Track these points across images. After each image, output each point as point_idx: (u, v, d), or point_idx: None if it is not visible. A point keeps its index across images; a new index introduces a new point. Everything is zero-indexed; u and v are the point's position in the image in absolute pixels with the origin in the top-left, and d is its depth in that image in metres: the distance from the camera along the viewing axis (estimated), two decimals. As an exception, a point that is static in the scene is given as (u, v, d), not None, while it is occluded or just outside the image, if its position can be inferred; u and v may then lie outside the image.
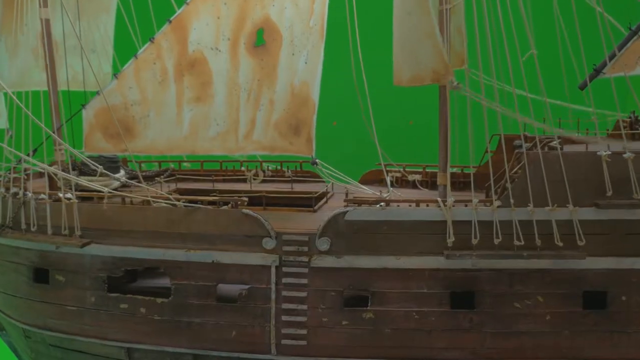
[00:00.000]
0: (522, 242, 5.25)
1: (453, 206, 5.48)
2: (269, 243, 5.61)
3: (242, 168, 8.31)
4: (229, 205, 5.86)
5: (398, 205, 5.74)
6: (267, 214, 6.03)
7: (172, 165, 8.67)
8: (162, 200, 6.00)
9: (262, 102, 6.29)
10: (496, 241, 5.30)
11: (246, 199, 6.43)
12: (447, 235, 5.44)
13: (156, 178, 7.51)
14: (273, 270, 5.58)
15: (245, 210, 5.69)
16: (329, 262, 5.55)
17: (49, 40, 7.06)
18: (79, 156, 6.48)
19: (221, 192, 6.68)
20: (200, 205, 5.86)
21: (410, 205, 5.69)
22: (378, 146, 6.69)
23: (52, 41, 7.33)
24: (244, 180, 8.03)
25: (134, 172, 8.28)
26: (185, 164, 8.63)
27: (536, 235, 5.29)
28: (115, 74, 6.60)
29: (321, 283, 5.49)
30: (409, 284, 5.46)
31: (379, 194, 6.50)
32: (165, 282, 6.06)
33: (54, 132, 6.62)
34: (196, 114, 6.21)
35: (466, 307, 5.39)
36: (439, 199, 5.55)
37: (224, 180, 8.16)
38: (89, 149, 6.52)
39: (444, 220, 5.47)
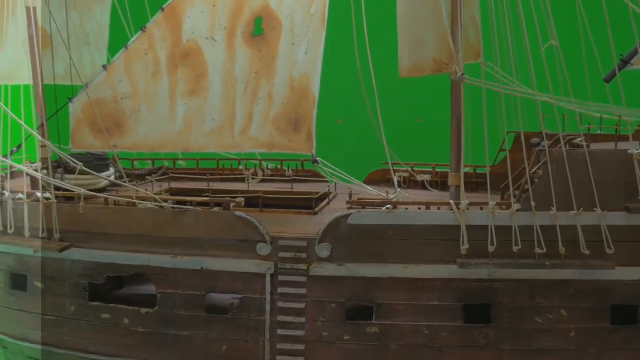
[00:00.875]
0: (544, 250, 4.90)
1: (467, 209, 5.05)
2: (263, 249, 5.19)
3: (240, 167, 7.92)
4: (221, 207, 5.38)
5: (406, 208, 5.28)
6: (264, 217, 5.62)
7: (166, 164, 8.29)
8: (149, 201, 5.52)
9: (260, 96, 5.98)
10: (515, 249, 4.93)
11: (242, 199, 6.00)
12: (461, 241, 5.00)
13: (147, 177, 7.05)
14: (268, 278, 5.17)
15: (238, 213, 5.23)
16: (329, 270, 5.16)
17: (35, 29, 6.65)
18: (58, 153, 6.04)
19: (215, 192, 6.31)
20: (190, 207, 5.39)
21: (419, 208, 5.25)
22: (385, 144, 6.18)
23: (45, 33, 7.04)
24: (243, 180, 7.63)
25: (125, 171, 7.87)
26: (180, 162, 8.27)
27: (560, 243, 4.92)
28: (104, 66, 6.22)
29: (321, 293, 5.13)
30: (418, 295, 5.07)
31: (385, 195, 6.00)
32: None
33: (37, 129, 6.20)
34: (190, 108, 5.91)
35: (481, 321, 5.04)
36: (451, 202, 5.07)
37: (221, 180, 7.79)
38: (76, 145, 6.19)
39: (457, 225, 5.03)
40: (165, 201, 5.45)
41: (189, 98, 5.90)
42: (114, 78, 6.04)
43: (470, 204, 5.06)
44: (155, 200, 5.49)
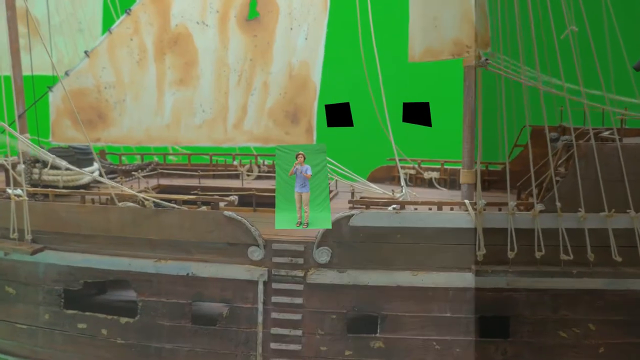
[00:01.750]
0: (571, 256, 4.50)
1: (484, 210, 4.58)
2: (255, 253, 4.73)
3: (235, 163, 7.46)
4: (209, 205, 4.90)
5: (415, 209, 4.79)
6: (257, 217, 5.20)
7: (155, 159, 7.82)
8: (129, 199, 5.03)
9: (255, 86, 5.60)
10: (538, 254, 4.53)
11: (234, 198, 5.51)
12: (477, 246, 4.56)
13: (133, 173, 6.58)
14: (260, 286, 4.74)
15: (227, 213, 4.74)
16: (329, 277, 4.73)
17: (12, 14, 6.25)
18: (30, 146, 5.60)
19: (204, 189, 5.84)
20: (174, 205, 4.89)
21: (430, 209, 4.73)
22: (391, 138, 5.66)
23: (33, 19, 6.66)
24: (237, 177, 7.20)
25: (111, 166, 7.42)
26: (171, 157, 7.84)
27: (588, 248, 4.51)
28: (86, 52, 5.87)
29: (319, 303, 4.73)
30: (429, 306, 4.67)
31: (391, 194, 5.48)
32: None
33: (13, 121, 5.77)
34: (179, 98, 5.59)
35: (499, 335, 4.65)
36: (466, 201, 4.54)
37: (214, 177, 7.33)
38: (57, 138, 5.91)
39: (472, 228, 4.59)
40: (147, 199, 4.92)
41: (177, 88, 5.59)
42: (96, 65, 5.71)
43: (487, 204, 4.54)
44: (136, 198, 4.97)
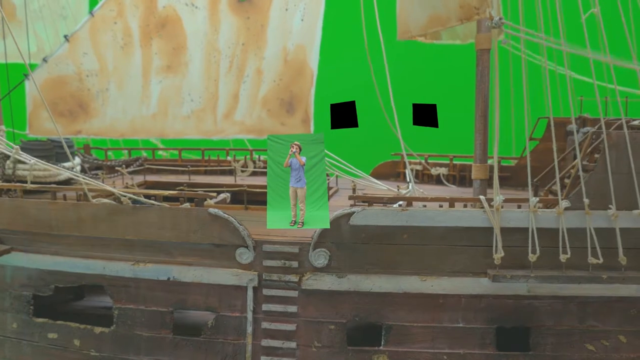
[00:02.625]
0: (600, 260, 4.02)
1: (502, 207, 4.08)
2: (244, 255, 4.26)
3: (229, 158, 7.03)
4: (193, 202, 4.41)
5: (424, 206, 4.27)
6: (248, 216, 4.84)
7: (144, 154, 7.66)
8: (105, 196, 4.54)
9: (247, 72, 5.27)
10: (563, 258, 4.06)
11: (226, 195, 5.05)
12: (494, 248, 4.06)
13: (117, 168, 6.13)
14: (250, 292, 4.26)
15: (212, 210, 4.23)
16: (327, 282, 4.24)
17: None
18: None
19: (194, 186, 5.37)
20: (154, 202, 4.39)
21: (440, 206, 4.21)
22: (398, 131, 5.15)
23: (9, 4, 6.56)
24: (231, 173, 6.91)
25: (96, 162, 7.00)
26: (160, 152, 7.61)
27: (620, 250, 4.04)
28: (66, 36, 5.50)
29: (316, 312, 4.25)
30: (439, 315, 4.17)
31: (396, 190, 4.97)
32: None
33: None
34: (166, 87, 5.30)
35: (518, 348, 4.21)
36: (481, 197, 4.03)
37: (206, 172, 6.88)
38: (34, 130, 5.57)
39: (489, 228, 4.09)
40: (124, 194, 4.42)
41: (164, 75, 5.29)
42: (77, 51, 5.37)
43: (506, 201, 4.02)
44: (112, 194, 4.47)
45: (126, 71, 5.25)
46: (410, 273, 4.18)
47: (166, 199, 4.54)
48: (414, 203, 4.39)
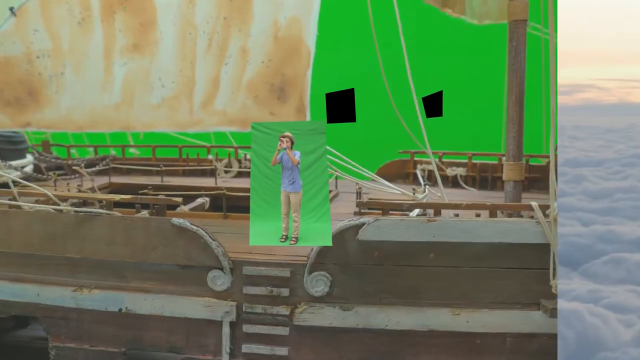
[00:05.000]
0: None
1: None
2: (219, 280, 3.40)
3: (210, 156, 6.27)
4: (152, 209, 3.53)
5: (456, 215, 3.34)
6: (227, 226, 3.96)
7: (112, 152, 6.90)
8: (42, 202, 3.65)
9: (230, 52, 4.63)
10: None
11: (204, 200, 4.20)
12: (551, 272, 3.10)
13: (74, 167, 5.31)
14: (226, 329, 3.35)
15: (177, 221, 3.33)
16: (328, 316, 3.32)
17: None
18: None
19: (165, 188, 4.60)
20: (100, 211, 3.49)
21: (478, 215, 3.31)
22: (423, 125, 4.37)
23: None
24: (213, 174, 6.13)
25: (55, 161, 6.15)
26: (132, 150, 6.84)
27: None
28: (11, 9, 4.93)
29: (314, 355, 3.36)
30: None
31: (412, 194, 4.12)
32: None
33: None
34: (132, 70, 4.70)
35: None
36: (533, 204, 3.12)
37: (184, 173, 6.11)
38: None
39: (543, 244, 3.15)
40: (66, 200, 3.52)
41: (130, 56, 4.69)
42: (26, 27, 4.81)
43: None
44: (50, 200, 3.57)
45: (84, 51, 4.65)
46: (439, 304, 3.27)
47: (118, 205, 3.63)
48: (442, 211, 3.48)
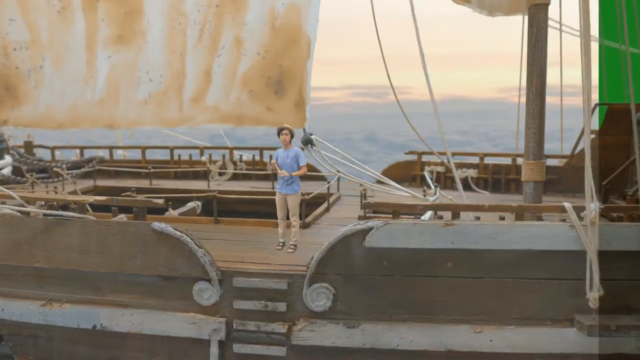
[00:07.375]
0: None
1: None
2: (206, 293, 3.05)
3: (203, 158, 5.90)
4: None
5: (478, 218, 2.96)
6: (217, 231, 3.63)
7: (100, 153, 6.60)
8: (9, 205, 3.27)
9: (223, 43, 4.36)
10: None
11: (196, 204, 3.87)
12: (587, 283, 2.74)
13: (55, 169, 4.92)
14: (214, 349, 2.99)
15: (158, 225, 2.93)
16: (330, 335, 2.95)
17: None
18: None
19: (152, 191, 4.40)
20: (73, 215, 3.09)
21: (502, 218, 2.91)
22: (439, 126, 3.99)
23: None
24: (206, 176, 5.83)
25: (38, 163, 5.78)
26: (120, 151, 6.67)
27: None
28: None
29: None
30: None
31: (423, 196, 3.75)
32: None
33: None
34: (117, 63, 4.44)
35: None
36: (566, 205, 2.74)
37: (176, 176, 5.80)
38: None
39: (578, 251, 2.77)
40: (34, 202, 3.13)
41: (115, 48, 4.44)
42: (1, 17, 4.62)
43: (607, 209, 2.82)
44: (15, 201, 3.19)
45: (65, 43, 4.43)
46: (458, 321, 2.90)
47: (94, 208, 3.24)
48: (461, 214, 3.09)
